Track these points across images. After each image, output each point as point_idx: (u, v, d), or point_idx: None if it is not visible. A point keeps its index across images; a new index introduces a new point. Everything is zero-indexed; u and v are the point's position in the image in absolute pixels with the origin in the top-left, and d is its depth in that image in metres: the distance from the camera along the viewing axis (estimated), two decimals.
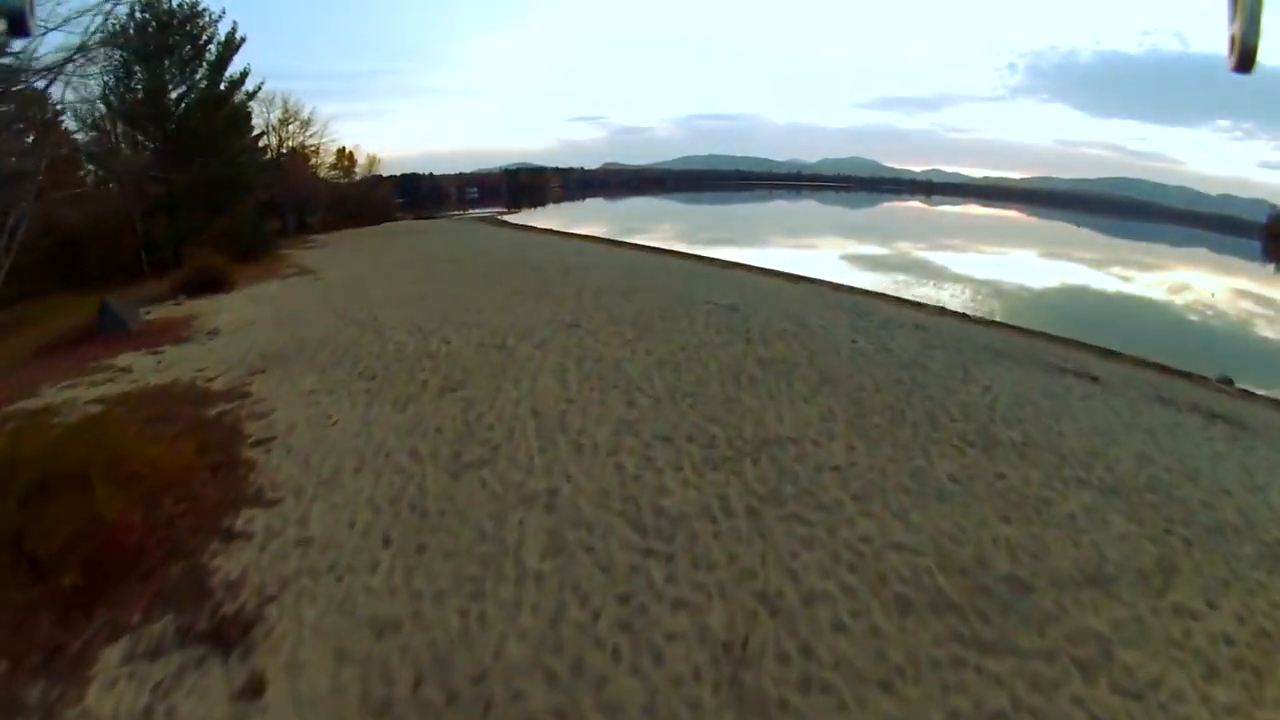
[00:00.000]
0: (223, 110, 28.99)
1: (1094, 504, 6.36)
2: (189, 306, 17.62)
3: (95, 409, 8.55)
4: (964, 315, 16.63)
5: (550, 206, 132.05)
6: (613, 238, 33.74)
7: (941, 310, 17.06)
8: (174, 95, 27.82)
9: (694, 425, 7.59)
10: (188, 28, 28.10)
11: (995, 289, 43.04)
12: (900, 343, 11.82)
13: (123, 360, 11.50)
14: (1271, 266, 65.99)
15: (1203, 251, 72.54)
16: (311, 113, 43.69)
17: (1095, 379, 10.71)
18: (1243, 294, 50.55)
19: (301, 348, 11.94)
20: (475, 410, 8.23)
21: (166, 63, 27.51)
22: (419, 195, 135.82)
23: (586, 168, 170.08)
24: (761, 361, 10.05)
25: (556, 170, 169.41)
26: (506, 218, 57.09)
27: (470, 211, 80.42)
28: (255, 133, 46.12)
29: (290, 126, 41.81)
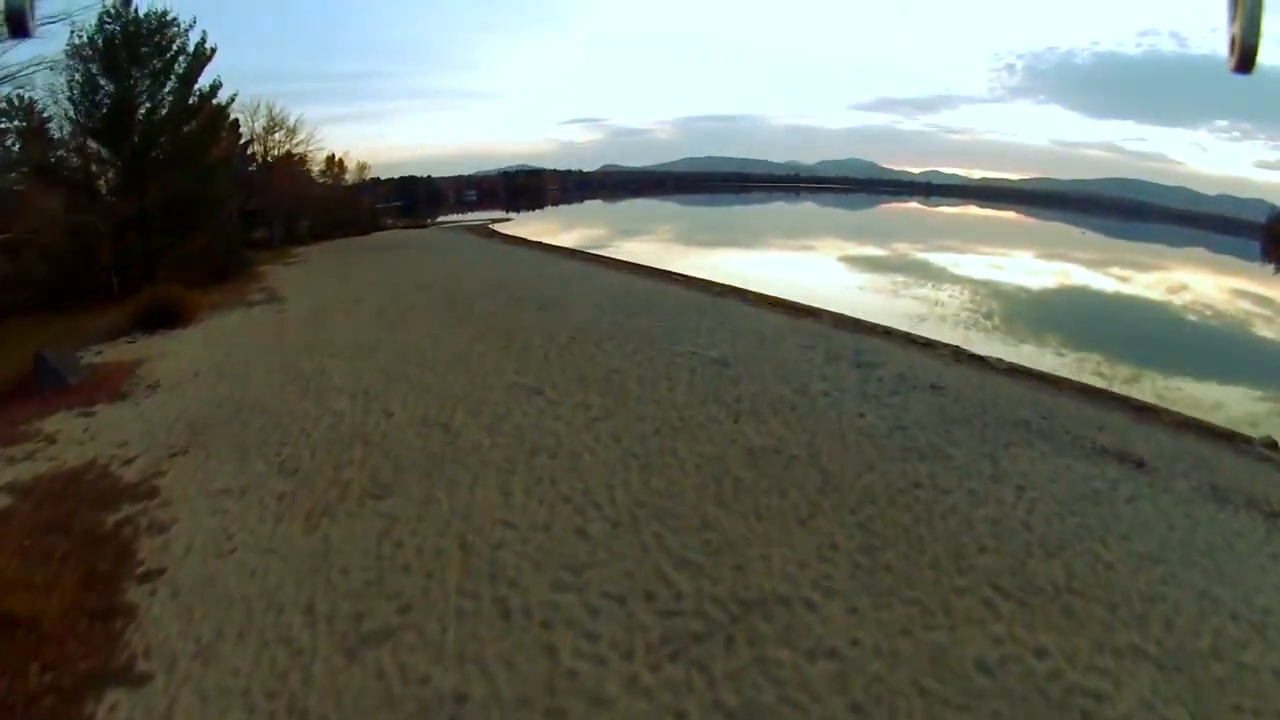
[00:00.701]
0: (192, 125, 27.58)
1: (1154, 692, 4.94)
2: (142, 346, 16.46)
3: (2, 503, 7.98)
4: (982, 361, 15.00)
5: (548, 209, 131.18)
6: (602, 253, 32.20)
7: (957, 354, 15.19)
8: (142, 110, 26.41)
9: (656, 570, 6.12)
10: (156, 39, 26.68)
11: (995, 291, 42.15)
12: (916, 415, 10.23)
13: (52, 424, 10.74)
14: (1271, 267, 65.09)
15: (1201, 252, 71.52)
16: (298, 120, 42.48)
17: (1140, 463, 9.20)
18: (1247, 296, 49.56)
19: (235, 413, 10.83)
20: (395, 536, 6.80)
21: (134, 76, 26.12)
22: (417, 198, 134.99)
23: (585, 170, 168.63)
24: (751, 454, 8.54)
25: (554, 173, 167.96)
26: (499, 226, 55.74)
27: (466, 217, 79.21)
28: (242, 140, 45.15)
29: (276, 134, 40.57)
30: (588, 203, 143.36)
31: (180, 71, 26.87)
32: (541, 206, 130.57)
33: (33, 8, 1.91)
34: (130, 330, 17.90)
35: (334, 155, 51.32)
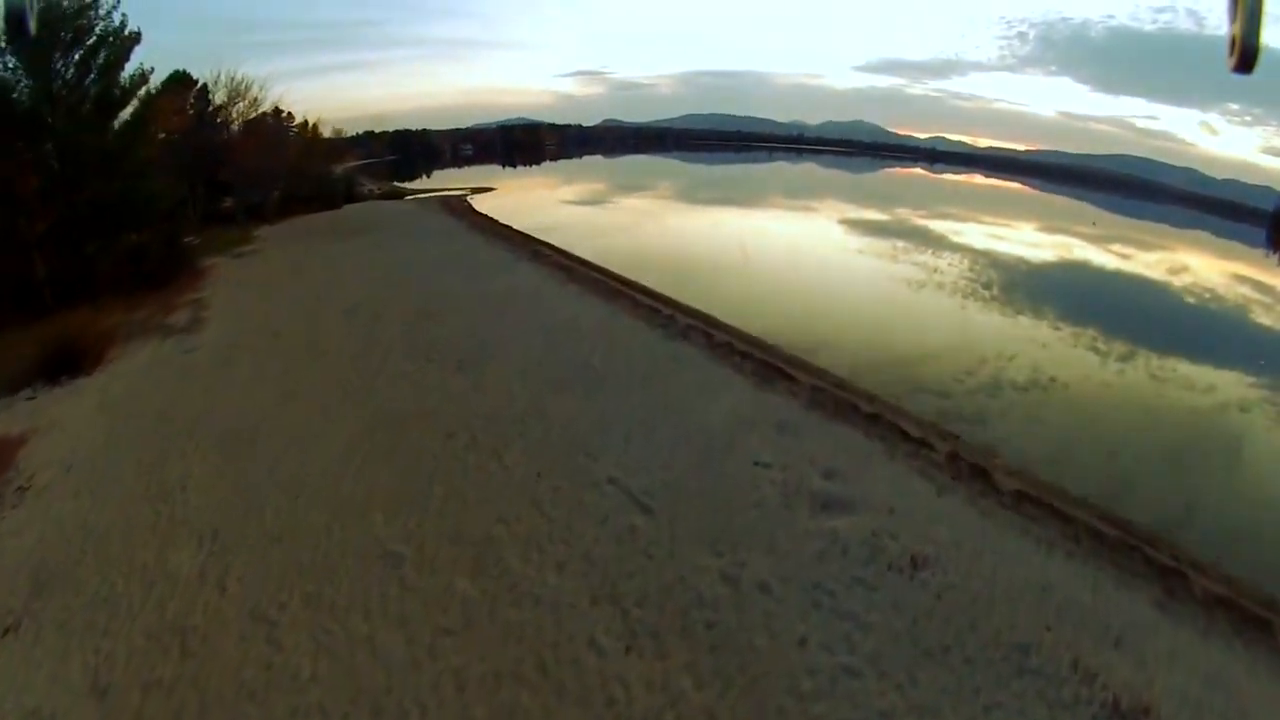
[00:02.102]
0: (116, 121, 25.71)
1: None
2: (38, 405, 14.91)
3: None
4: (986, 478, 11.28)
5: (546, 164, 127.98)
6: (573, 252, 30.18)
7: (954, 462, 11.70)
8: (63, 105, 24.56)
9: None
10: (77, 25, 24.65)
11: (995, 261, 40.79)
12: (877, 640, 7.37)
13: None
14: (1276, 257, 63.13)
15: (1206, 235, 69.31)
16: (262, 87, 40.59)
17: None
18: (1248, 282, 47.72)
19: (81, 557, 9.26)
20: None
21: (53, 67, 24.21)
22: (412, 153, 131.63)
23: (585, 124, 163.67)
24: None
25: (553, 127, 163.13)
26: (479, 198, 53.47)
27: (455, 179, 76.96)
28: (211, 107, 43.12)
29: (238, 105, 38.90)
30: (586, 159, 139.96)
31: (101, 63, 24.92)
32: (539, 162, 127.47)
33: (33, 8, 2.11)
34: (33, 379, 16.28)
35: (306, 121, 49.25)
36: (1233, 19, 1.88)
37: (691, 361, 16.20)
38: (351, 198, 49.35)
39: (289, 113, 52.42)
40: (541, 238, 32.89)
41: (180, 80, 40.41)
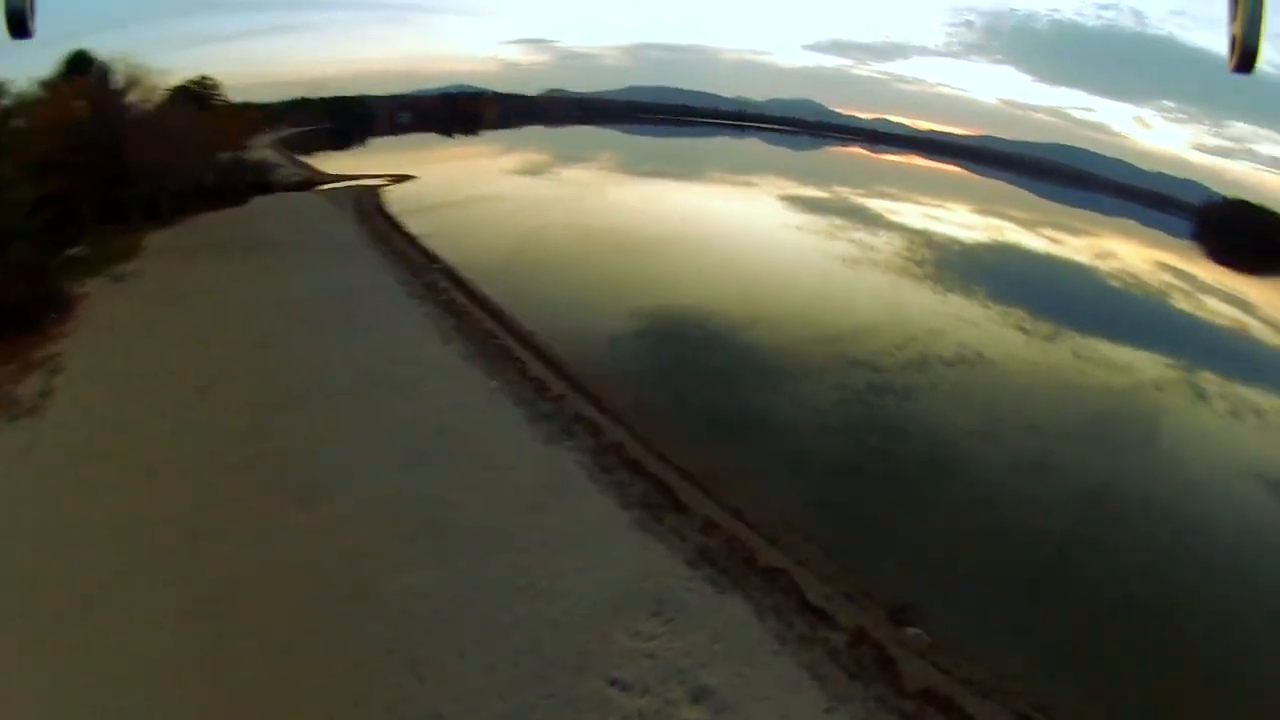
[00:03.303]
0: None
1: None
2: None
3: None
4: (890, 664, 9.76)
5: (486, 134, 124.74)
6: (470, 283, 25.89)
7: (856, 664, 9.79)
8: None
9: None
10: None
11: (929, 241, 41.58)
12: None
13: None
14: (1200, 247, 66.86)
15: (1133, 224, 72.46)
16: (163, 74, 37.35)
17: None
18: (1170, 270, 50.02)
19: None
20: None
21: None
22: (347, 120, 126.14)
23: (528, 94, 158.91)
24: None
25: (496, 96, 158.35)
26: (394, 190, 47.56)
27: (381, 156, 73.42)
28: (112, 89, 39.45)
29: (132, 93, 35.60)
30: (528, 129, 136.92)
31: None
32: (478, 132, 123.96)
33: (33, 8, 2.06)
34: None
35: (215, 97, 45.71)
36: (1233, 18, 1.89)
37: (572, 488, 13.40)
38: (264, 186, 44.61)
39: (202, 88, 48.03)
40: (453, 243, 29.53)
41: (77, 63, 36.68)
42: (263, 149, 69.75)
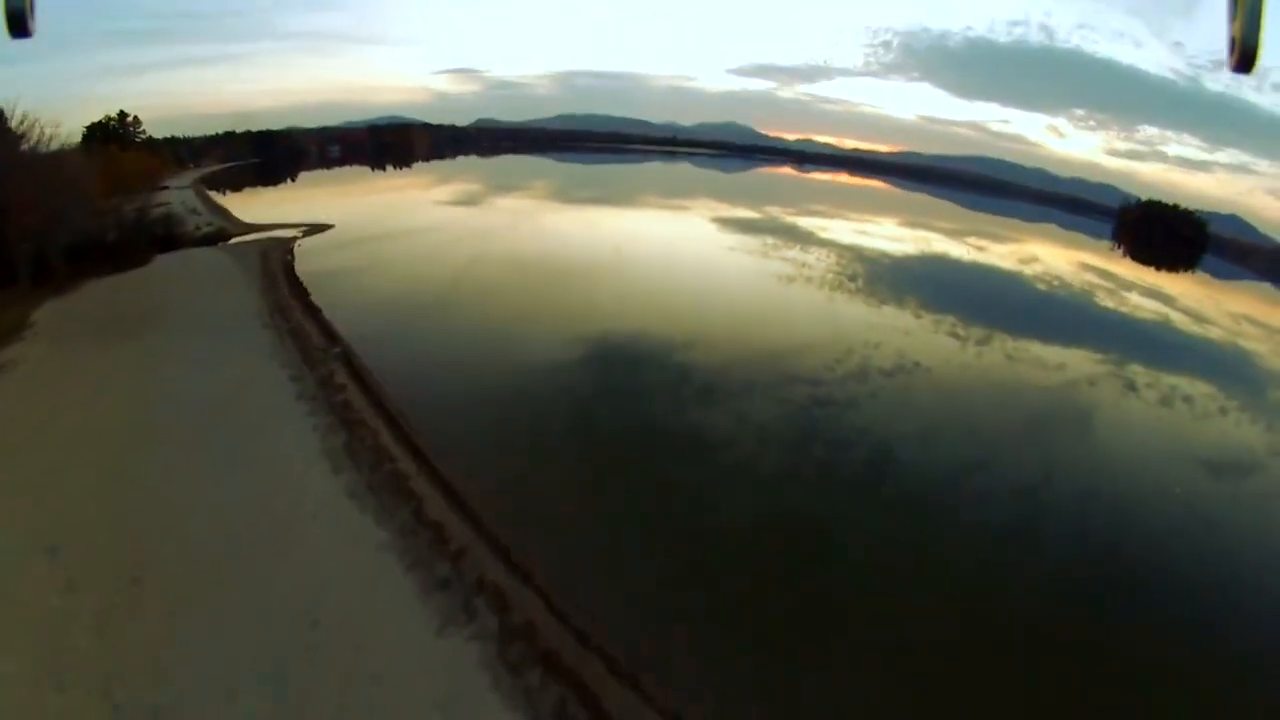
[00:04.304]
0: None
1: None
2: None
3: None
4: None
5: (418, 166, 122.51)
6: (371, 377, 21.53)
7: None
8: None
9: None
10: None
11: (860, 255, 42.20)
12: None
13: None
14: (1121, 248, 70.60)
15: (1053, 228, 76.05)
16: (57, 126, 34.80)
17: None
18: (1093, 270, 52.21)
19: None
20: None
21: None
22: (276, 153, 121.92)
23: (458, 124, 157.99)
24: None
25: (426, 126, 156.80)
26: (311, 243, 43.56)
27: (305, 193, 70.49)
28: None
29: (24, 145, 32.97)
30: (460, 159, 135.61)
31: None
32: (410, 164, 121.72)
33: (33, 8, 2.03)
34: None
35: (125, 138, 43.20)
36: (1233, 18, 1.89)
37: (469, 703, 9.79)
38: (170, 241, 40.60)
39: (122, 125, 45.35)
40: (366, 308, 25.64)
41: None
42: (184, 189, 65.57)
